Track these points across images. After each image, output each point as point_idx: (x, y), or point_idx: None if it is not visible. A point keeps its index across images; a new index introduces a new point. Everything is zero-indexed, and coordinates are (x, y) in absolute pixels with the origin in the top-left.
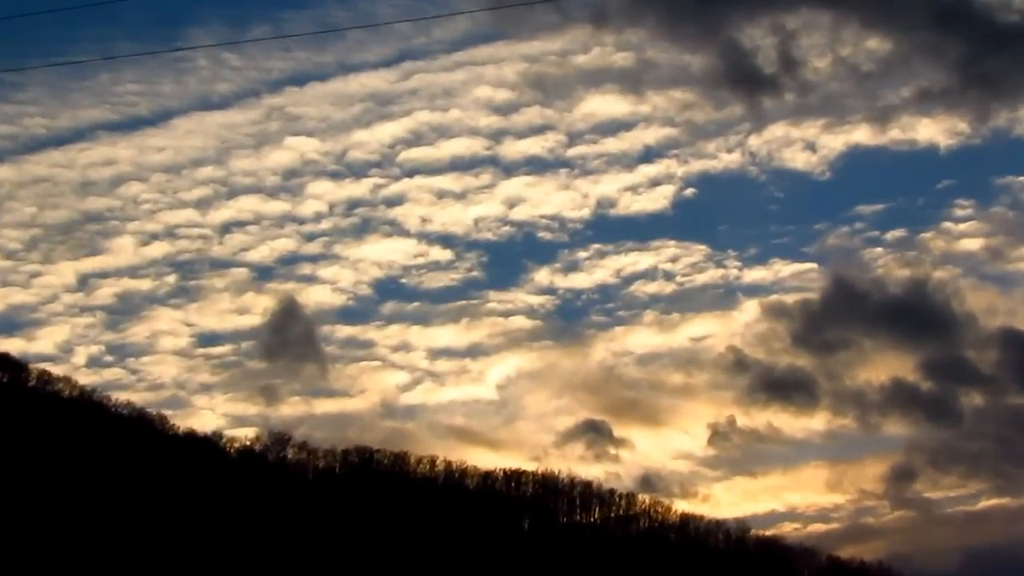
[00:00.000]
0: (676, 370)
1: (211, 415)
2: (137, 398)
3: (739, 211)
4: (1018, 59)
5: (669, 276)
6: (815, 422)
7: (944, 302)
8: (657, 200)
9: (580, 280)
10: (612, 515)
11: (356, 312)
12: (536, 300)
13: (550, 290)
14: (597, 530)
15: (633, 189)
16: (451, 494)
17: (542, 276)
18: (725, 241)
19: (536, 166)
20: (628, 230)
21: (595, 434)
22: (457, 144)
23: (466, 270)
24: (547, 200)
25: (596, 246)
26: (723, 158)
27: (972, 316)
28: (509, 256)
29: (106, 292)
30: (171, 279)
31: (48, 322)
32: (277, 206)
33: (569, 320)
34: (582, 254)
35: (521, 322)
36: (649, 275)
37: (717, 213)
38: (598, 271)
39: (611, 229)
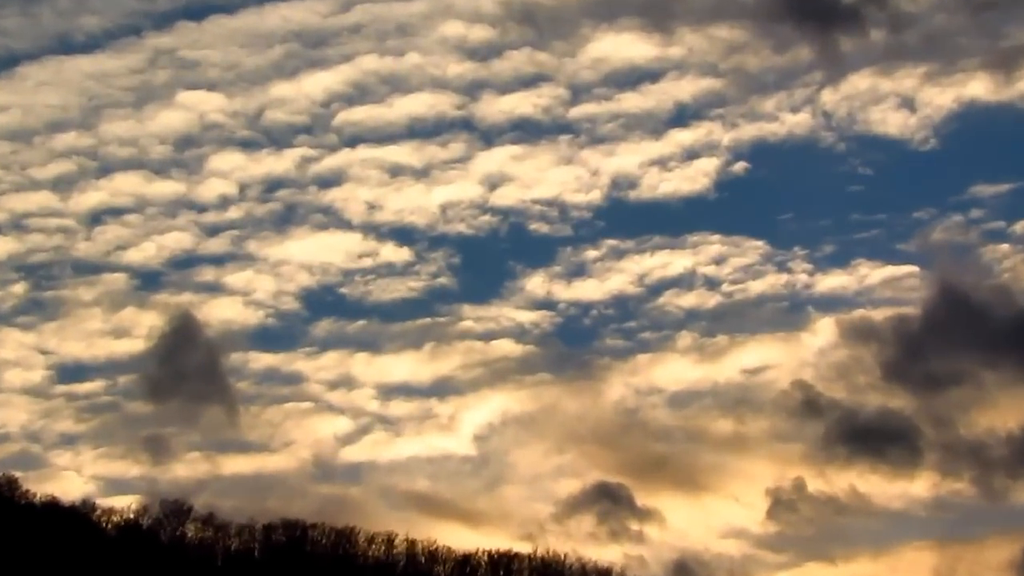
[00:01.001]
0: (723, 414)
1: (77, 478)
2: None
3: (808, 194)
4: None
5: (712, 284)
6: (917, 487)
7: None
8: (695, 179)
9: (589, 290)
10: None
11: (278, 334)
12: (528, 317)
13: (547, 303)
14: None
15: (661, 164)
16: None
17: (536, 284)
18: (789, 235)
19: (526, 132)
20: (655, 220)
21: (611, 503)
22: (416, 102)
23: (430, 276)
24: (542, 179)
25: (610, 242)
26: (785, 120)
27: None
28: (490, 257)
29: None
30: (18, 289)
31: None
32: (167, 188)
33: (574, 345)
34: (591, 253)
35: (507, 348)
36: (685, 282)
37: (778, 197)
38: (613, 277)
39: (631, 219)
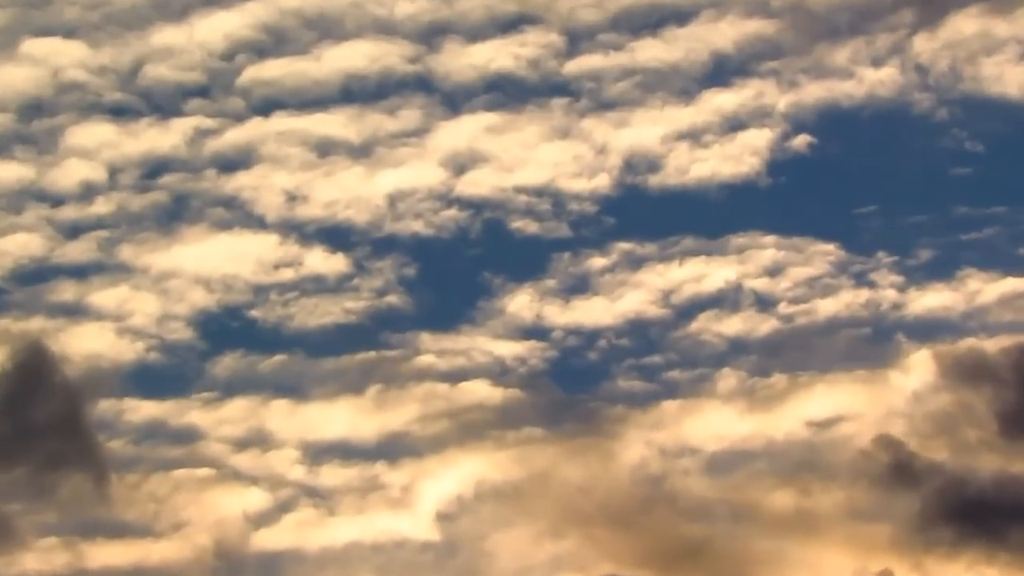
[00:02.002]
0: (781, 483)
1: None
2: None
3: (896, 180)
4: None
5: (765, 304)
6: None
7: None
8: (739, 159)
9: (594, 312)
10: None
11: (164, 374)
12: (511, 350)
13: (537, 331)
14: None
15: (693, 138)
16: None
17: (521, 305)
18: (871, 237)
19: (506, 94)
20: (684, 216)
21: None
22: (352, 51)
23: (375, 293)
24: (528, 159)
25: (623, 246)
26: (864, 77)
27: None
28: (457, 267)
29: None
30: None
31: None
32: (8, 172)
33: (574, 388)
34: (597, 262)
35: (483, 392)
36: (727, 301)
37: (854, 183)
38: (628, 295)
39: (651, 215)
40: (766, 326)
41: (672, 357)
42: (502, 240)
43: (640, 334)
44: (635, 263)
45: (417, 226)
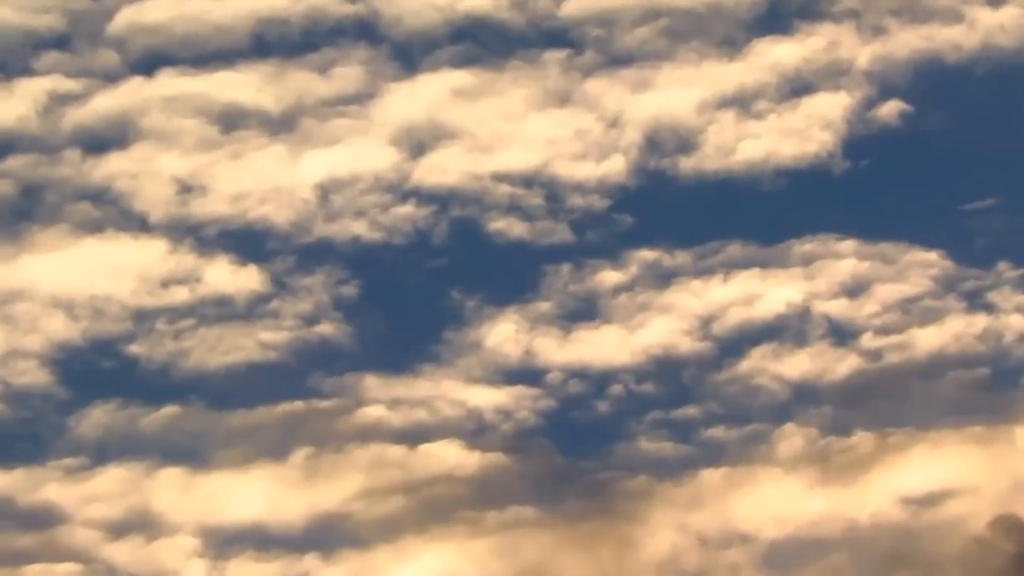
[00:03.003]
0: None
1: None
2: None
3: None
4: None
5: (843, 334)
6: None
7: None
8: (805, 134)
9: (605, 345)
10: None
11: (10, 431)
12: (490, 398)
13: (527, 372)
14: None
15: (740, 105)
16: None
17: (503, 336)
18: (987, 242)
19: (483, 44)
20: (730, 212)
21: None
22: None
23: (300, 320)
24: (513, 134)
25: (645, 255)
26: (976, 21)
27: None
28: (415, 283)
29: None
30: None
31: None
32: None
33: (578, 450)
34: (609, 277)
35: (451, 457)
36: (790, 331)
37: (963, 168)
38: (652, 321)
39: (683, 211)
40: (844, 365)
41: (714, 408)
42: (477, 247)
43: (669, 377)
44: (661, 278)
45: (359, 228)
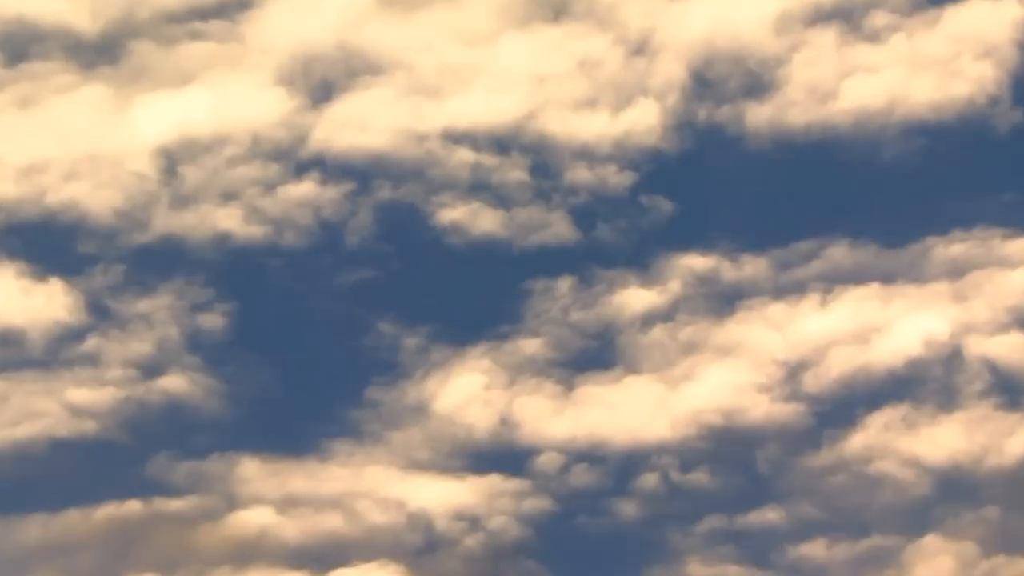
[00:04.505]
0: None
1: None
2: None
3: None
4: None
5: (1017, 392)
6: None
7: None
8: (951, 65)
9: (628, 405)
10: None
11: None
12: (443, 496)
13: (503, 453)
14: None
15: (845, 20)
16: None
17: (464, 390)
18: None
19: None
20: (822, 190)
21: None
22: None
23: (134, 368)
24: (481, 69)
25: (696, 263)
26: None
27: None
28: (314, 300)
29: None
30: None
31: None
32: None
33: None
34: (636, 299)
35: None
36: (934, 388)
37: None
38: (709, 368)
39: (756, 190)
40: (1018, 441)
41: (807, 512)
42: (419, 250)
43: (733, 460)
44: (719, 301)
45: (227, 219)
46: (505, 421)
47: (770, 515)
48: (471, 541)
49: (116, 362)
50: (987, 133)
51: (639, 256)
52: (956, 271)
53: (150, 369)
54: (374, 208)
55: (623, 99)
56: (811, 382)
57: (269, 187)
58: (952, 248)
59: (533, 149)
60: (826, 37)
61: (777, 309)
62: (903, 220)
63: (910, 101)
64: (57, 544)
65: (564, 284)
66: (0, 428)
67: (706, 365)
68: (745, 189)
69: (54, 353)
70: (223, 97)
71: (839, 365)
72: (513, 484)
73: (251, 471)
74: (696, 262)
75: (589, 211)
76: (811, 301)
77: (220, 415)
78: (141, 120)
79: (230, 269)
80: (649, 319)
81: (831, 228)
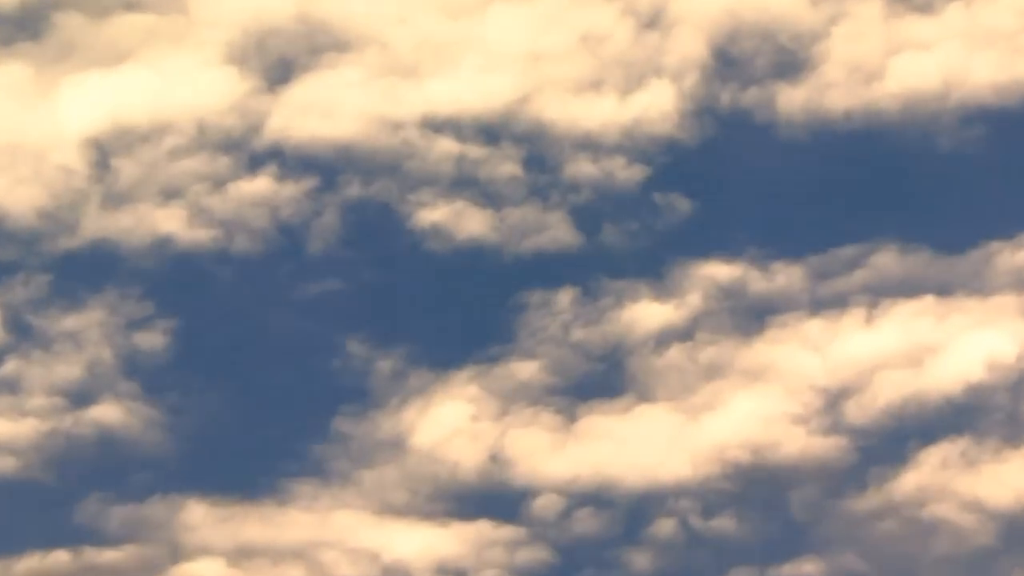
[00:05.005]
0: None
1: None
2: None
3: None
4: None
5: None
6: None
7: None
8: (1020, 38)
9: (641, 439)
10: None
11: None
12: (424, 544)
13: (494, 494)
14: None
15: None
16: None
17: (447, 421)
18: None
19: None
20: (867, 188)
21: None
22: None
23: (60, 396)
24: (465, 44)
25: (719, 271)
26: None
27: None
28: (271, 314)
29: None
30: None
31: None
32: None
33: None
34: (649, 314)
35: None
36: (1001, 419)
37: None
38: (735, 396)
39: (790, 186)
40: None
41: (851, 564)
42: (392, 256)
43: (763, 503)
44: (746, 315)
45: (169, 220)
46: (495, 458)
47: (807, 567)
48: None
49: (39, 389)
50: None
51: (652, 264)
52: None
53: (79, 397)
54: (341, 208)
55: (633, 80)
56: (854, 412)
57: (218, 184)
58: (1019, 255)
59: (528, 139)
60: (870, 8)
61: (814, 326)
62: (961, 222)
63: (969, 82)
64: None
65: (564, 297)
66: None
67: (731, 392)
68: (776, 186)
69: None
70: (164, 78)
71: (887, 392)
72: (505, 532)
73: (198, 517)
74: (719, 271)
75: (593, 211)
76: (854, 317)
77: (162, 451)
78: (68, 105)
79: (172, 279)
80: (664, 338)
81: (877, 231)
